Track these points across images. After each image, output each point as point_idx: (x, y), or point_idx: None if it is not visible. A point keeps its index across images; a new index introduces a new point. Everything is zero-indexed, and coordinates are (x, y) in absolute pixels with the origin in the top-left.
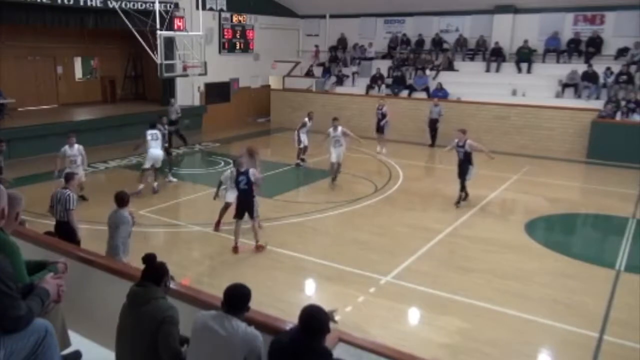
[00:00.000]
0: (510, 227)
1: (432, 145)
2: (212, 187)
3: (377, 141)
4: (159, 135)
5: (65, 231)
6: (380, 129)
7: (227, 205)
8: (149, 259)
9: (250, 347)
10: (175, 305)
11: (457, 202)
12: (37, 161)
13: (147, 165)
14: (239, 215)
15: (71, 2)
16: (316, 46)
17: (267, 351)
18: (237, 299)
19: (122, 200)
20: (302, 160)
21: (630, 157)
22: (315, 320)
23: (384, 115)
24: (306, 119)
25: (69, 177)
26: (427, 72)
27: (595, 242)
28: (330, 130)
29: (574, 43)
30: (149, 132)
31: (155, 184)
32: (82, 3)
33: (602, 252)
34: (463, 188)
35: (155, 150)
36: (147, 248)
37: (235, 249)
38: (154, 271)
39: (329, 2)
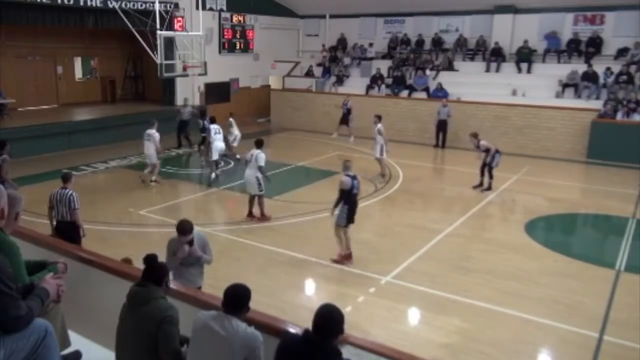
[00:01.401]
0: (510, 227)
1: (438, 146)
2: (212, 186)
3: (337, 129)
4: (221, 130)
5: (68, 231)
6: (345, 122)
7: (253, 198)
8: (150, 259)
9: (250, 347)
10: (175, 305)
11: (478, 186)
12: (37, 161)
13: (215, 157)
14: (352, 222)
15: (71, 2)
16: (323, 45)
17: (277, 346)
18: (237, 299)
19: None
20: (233, 155)
21: (630, 157)
22: (331, 320)
23: (349, 111)
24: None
25: (67, 177)
26: (427, 72)
27: (595, 242)
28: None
29: (574, 43)
30: (213, 126)
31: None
32: (82, 3)
33: (602, 252)
34: (491, 176)
35: (220, 143)
36: (148, 248)
37: (349, 256)
38: (155, 271)
39: (329, 2)
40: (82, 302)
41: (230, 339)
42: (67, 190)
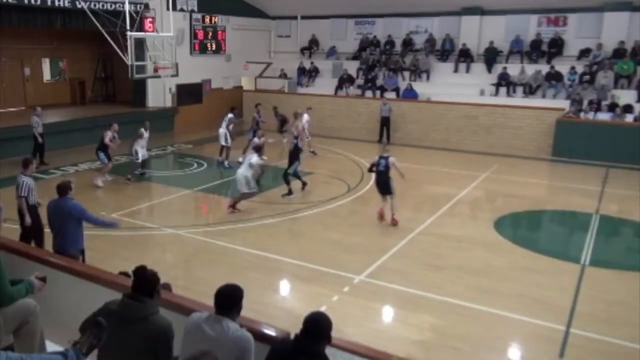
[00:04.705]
0: (480, 225)
1: (381, 141)
2: (185, 188)
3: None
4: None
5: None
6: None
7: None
8: (140, 270)
9: (241, 349)
10: (168, 318)
11: None
12: (4, 165)
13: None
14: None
15: (38, 3)
16: (302, 49)
17: (266, 355)
18: (228, 300)
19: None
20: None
21: (593, 155)
22: (319, 327)
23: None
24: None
25: (26, 162)
26: (403, 75)
27: (561, 238)
28: None
29: (537, 44)
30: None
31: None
32: (49, 3)
33: (568, 247)
34: None
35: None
36: (121, 251)
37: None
38: (148, 283)
39: (299, 3)
40: (62, 312)
41: (220, 339)
42: (21, 176)
